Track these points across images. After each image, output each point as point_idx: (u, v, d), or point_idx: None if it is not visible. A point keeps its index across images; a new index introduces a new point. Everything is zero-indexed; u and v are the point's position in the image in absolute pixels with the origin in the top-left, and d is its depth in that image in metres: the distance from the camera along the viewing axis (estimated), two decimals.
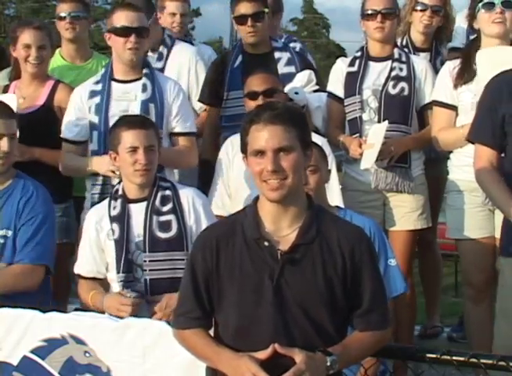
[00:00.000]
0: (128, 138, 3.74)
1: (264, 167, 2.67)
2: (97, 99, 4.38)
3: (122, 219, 3.75)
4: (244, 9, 4.83)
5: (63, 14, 5.24)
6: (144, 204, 3.76)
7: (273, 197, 2.69)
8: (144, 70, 4.39)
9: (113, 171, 4.09)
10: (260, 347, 2.64)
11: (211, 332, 2.81)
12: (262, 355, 2.60)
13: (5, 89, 4.80)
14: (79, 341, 3.30)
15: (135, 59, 4.34)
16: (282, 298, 2.66)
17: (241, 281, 2.70)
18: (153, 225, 3.73)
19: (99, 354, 3.27)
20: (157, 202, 3.76)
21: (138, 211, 3.76)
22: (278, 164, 2.66)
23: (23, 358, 3.40)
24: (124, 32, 4.28)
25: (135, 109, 4.31)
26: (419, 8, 5.08)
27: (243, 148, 2.76)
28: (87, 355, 3.29)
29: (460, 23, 5.12)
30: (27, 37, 4.64)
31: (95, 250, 3.81)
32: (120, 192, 3.82)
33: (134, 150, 3.72)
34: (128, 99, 4.35)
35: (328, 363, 2.59)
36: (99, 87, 4.42)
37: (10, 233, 3.89)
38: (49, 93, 4.72)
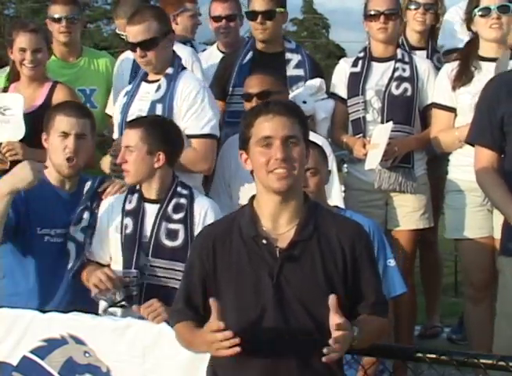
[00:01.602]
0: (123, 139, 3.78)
1: (272, 155, 2.65)
2: (125, 99, 4.41)
3: (137, 215, 3.70)
4: (257, 5, 4.84)
5: (57, 16, 5.16)
6: (157, 206, 3.71)
7: (280, 186, 2.67)
8: (167, 70, 4.33)
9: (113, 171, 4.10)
10: (261, 345, 2.64)
11: None
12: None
13: (5, 91, 4.78)
14: (79, 342, 3.30)
15: (150, 70, 4.35)
16: (282, 295, 2.66)
17: (239, 280, 2.69)
18: (160, 231, 3.67)
19: (99, 354, 3.27)
20: (170, 208, 3.69)
21: (150, 212, 3.72)
22: (287, 153, 2.65)
23: (22, 358, 3.40)
24: (131, 47, 4.32)
25: (146, 109, 4.28)
26: (412, 7, 5.10)
27: (244, 143, 2.74)
28: (86, 355, 3.29)
29: (448, 18, 5.14)
30: (22, 40, 4.60)
31: (99, 237, 3.78)
32: (137, 187, 3.78)
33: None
34: (146, 99, 4.34)
35: (355, 333, 2.58)
36: (130, 87, 4.47)
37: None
38: (47, 94, 4.71)
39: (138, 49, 4.26)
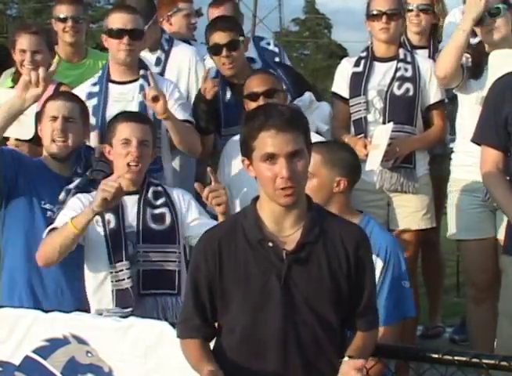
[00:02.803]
0: (123, 130, 3.77)
1: (277, 172, 2.64)
2: (94, 101, 4.40)
3: (116, 210, 3.73)
4: (218, 38, 4.65)
5: (62, 15, 5.20)
6: (136, 196, 3.79)
7: (285, 202, 2.68)
8: (141, 72, 4.41)
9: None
10: (268, 347, 2.66)
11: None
12: None
13: None
14: (81, 341, 3.30)
15: (129, 60, 4.37)
16: (290, 297, 2.67)
17: (247, 283, 2.70)
18: (146, 217, 3.75)
19: (101, 354, 3.27)
20: (150, 196, 3.80)
21: (130, 203, 3.78)
22: (293, 170, 2.65)
23: (25, 358, 3.39)
24: (117, 34, 4.31)
25: (134, 110, 4.30)
26: (408, 8, 5.10)
27: (247, 152, 2.73)
28: (89, 355, 3.29)
29: (450, 20, 5.13)
30: (22, 41, 4.63)
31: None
32: None
33: (127, 142, 3.75)
34: (125, 99, 4.37)
35: None
36: (96, 88, 4.45)
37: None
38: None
39: (127, 36, 4.28)
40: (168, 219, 3.77)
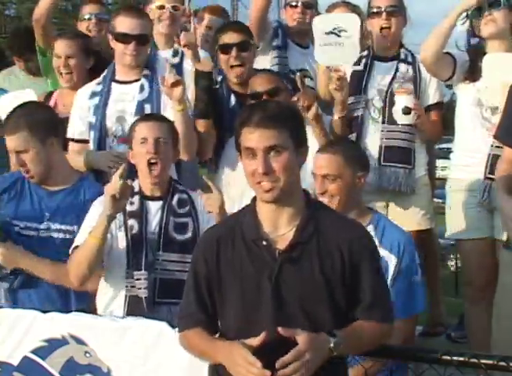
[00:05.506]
0: (141, 130, 3.75)
1: (255, 168, 2.66)
2: (96, 100, 4.40)
3: (140, 215, 3.71)
4: (229, 38, 4.59)
5: (89, 16, 5.33)
6: (160, 202, 3.75)
7: (266, 198, 2.69)
8: (144, 71, 4.39)
9: (110, 167, 4.11)
10: (260, 345, 2.62)
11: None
12: (255, 341, 2.57)
13: (48, 97, 4.86)
14: (80, 342, 3.30)
15: (134, 64, 4.37)
16: (281, 297, 2.66)
17: (242, 282, 2.70)
18: (169, 225, 3.71)
19: (100, 354, 3.27)
20: (174, 203, 3.75)
21: (154, 209, 3.74)
22: (269, 166, 2.65)
23: (23, 358, 3.39)
24: (123, 39, 4.31)
25: (132, 109, 4.31)
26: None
27: (237, 147, 2.75)
28: (87, 355, 3.29)
29: None
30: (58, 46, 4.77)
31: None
32: (136, 189, 3.76)
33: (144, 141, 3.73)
34: (125, 99, 4.36)
35: (331, 345, 2.58)
36: (99, 88, 4.45)
37: (76, 228, 3.79)
38: None
39: (133, 42, 4.28)
40: (190, 229, 3.72)
